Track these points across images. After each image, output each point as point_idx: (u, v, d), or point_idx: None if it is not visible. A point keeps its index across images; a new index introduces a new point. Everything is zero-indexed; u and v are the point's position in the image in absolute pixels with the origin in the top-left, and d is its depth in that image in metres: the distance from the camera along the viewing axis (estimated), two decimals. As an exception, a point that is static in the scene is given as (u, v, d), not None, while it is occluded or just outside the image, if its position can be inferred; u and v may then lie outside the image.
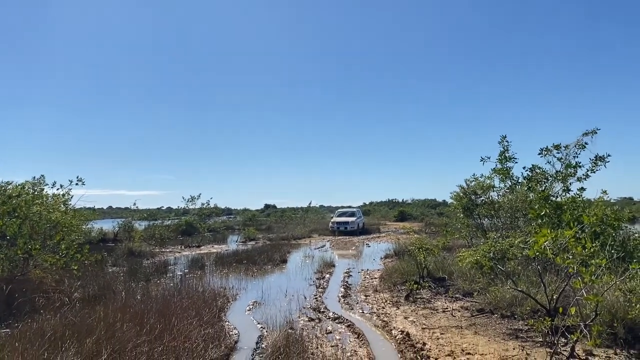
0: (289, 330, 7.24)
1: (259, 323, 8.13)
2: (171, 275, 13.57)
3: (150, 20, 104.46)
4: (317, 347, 6.57)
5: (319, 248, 22.62)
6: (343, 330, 7.59)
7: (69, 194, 13.16)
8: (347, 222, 32.37)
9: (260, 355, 6.34)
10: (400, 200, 76.10)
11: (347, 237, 29.66)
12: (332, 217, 35.83)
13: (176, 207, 35.63)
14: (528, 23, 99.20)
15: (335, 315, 8.57)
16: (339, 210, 36.54)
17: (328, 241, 26.80)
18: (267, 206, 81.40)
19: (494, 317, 7.90)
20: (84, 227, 17.53)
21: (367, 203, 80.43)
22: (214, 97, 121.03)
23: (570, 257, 5.60)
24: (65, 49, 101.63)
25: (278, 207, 78.68)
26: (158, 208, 36.51)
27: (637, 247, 8.64)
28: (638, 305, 5.65)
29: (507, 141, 12.43)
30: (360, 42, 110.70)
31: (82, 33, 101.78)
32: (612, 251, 7.82)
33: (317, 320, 8.24)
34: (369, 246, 23.63)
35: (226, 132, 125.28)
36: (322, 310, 9.07)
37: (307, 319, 8.33)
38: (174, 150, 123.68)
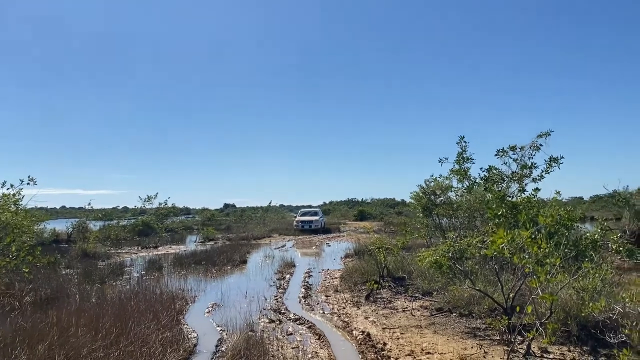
0: (249, 333, 7.14)
1: (218, 326, 8.00)
2: (128, 277, 13.25)
3: (113, 12, 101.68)
4: (278, 349, 6.52)
5: (279, 248, 22.53)
6: (304, 332, 7.56)
7: (19, 193, 12.75)
8: (311, 221, 32.87)
9: (220, 359, 6.25)
10: (360, 200, 76.54)
11: (307, 236, 29.69)
12: (294, 217, 36.04)
13: (133, 207, 34.95)
14: (488, 24, 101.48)
15: (296, 317, 8.52)
16: (302, 210, 36.90)
17: (288, 241, 26.79)
18: (226, 205, 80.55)
19: (452, 316, 8.03)
20: (36, 228, 16.96)
21: (327, 202, 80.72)
22: (172, 96, 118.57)
23: (527, 256, 5.73)
24: (18, 41, 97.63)
25: (237, 206, 77.92)
26: (114, 208, 35.50)
27: (589, 246, 8.93)
28: (590, 303, 5.83)
29: (464, 142, 12.55)
30: (318, 41, 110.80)
31: (34, 23, 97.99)
32: (566, 250, 8.04)
33: (277, 322, 8.18)
34: (330, 245, 23.70)
35: (184, 131, 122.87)
36: (282, 311, 9.01)
37: (267, 321, 8.26)
38: (131, 148, 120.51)
